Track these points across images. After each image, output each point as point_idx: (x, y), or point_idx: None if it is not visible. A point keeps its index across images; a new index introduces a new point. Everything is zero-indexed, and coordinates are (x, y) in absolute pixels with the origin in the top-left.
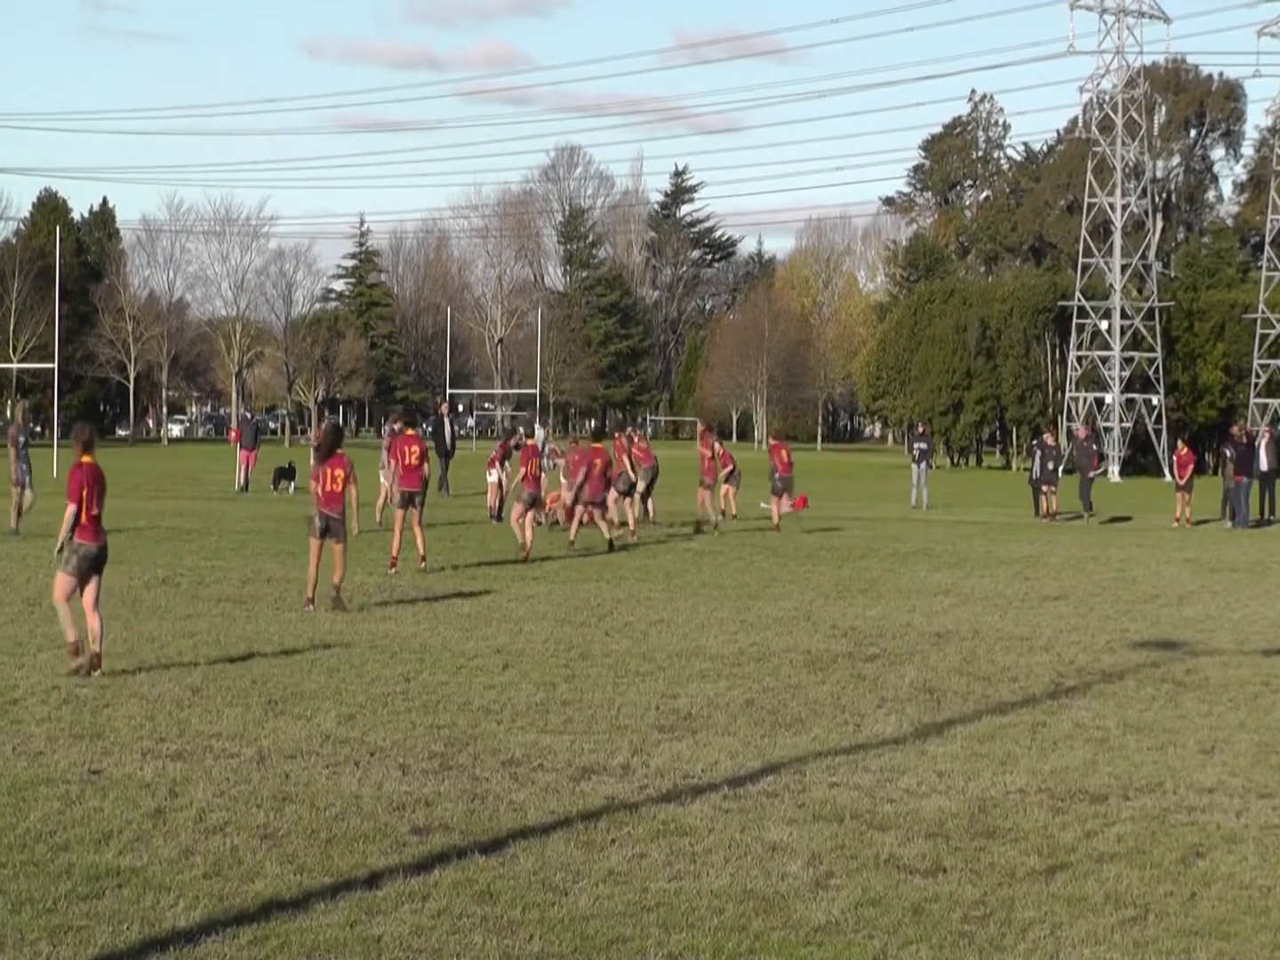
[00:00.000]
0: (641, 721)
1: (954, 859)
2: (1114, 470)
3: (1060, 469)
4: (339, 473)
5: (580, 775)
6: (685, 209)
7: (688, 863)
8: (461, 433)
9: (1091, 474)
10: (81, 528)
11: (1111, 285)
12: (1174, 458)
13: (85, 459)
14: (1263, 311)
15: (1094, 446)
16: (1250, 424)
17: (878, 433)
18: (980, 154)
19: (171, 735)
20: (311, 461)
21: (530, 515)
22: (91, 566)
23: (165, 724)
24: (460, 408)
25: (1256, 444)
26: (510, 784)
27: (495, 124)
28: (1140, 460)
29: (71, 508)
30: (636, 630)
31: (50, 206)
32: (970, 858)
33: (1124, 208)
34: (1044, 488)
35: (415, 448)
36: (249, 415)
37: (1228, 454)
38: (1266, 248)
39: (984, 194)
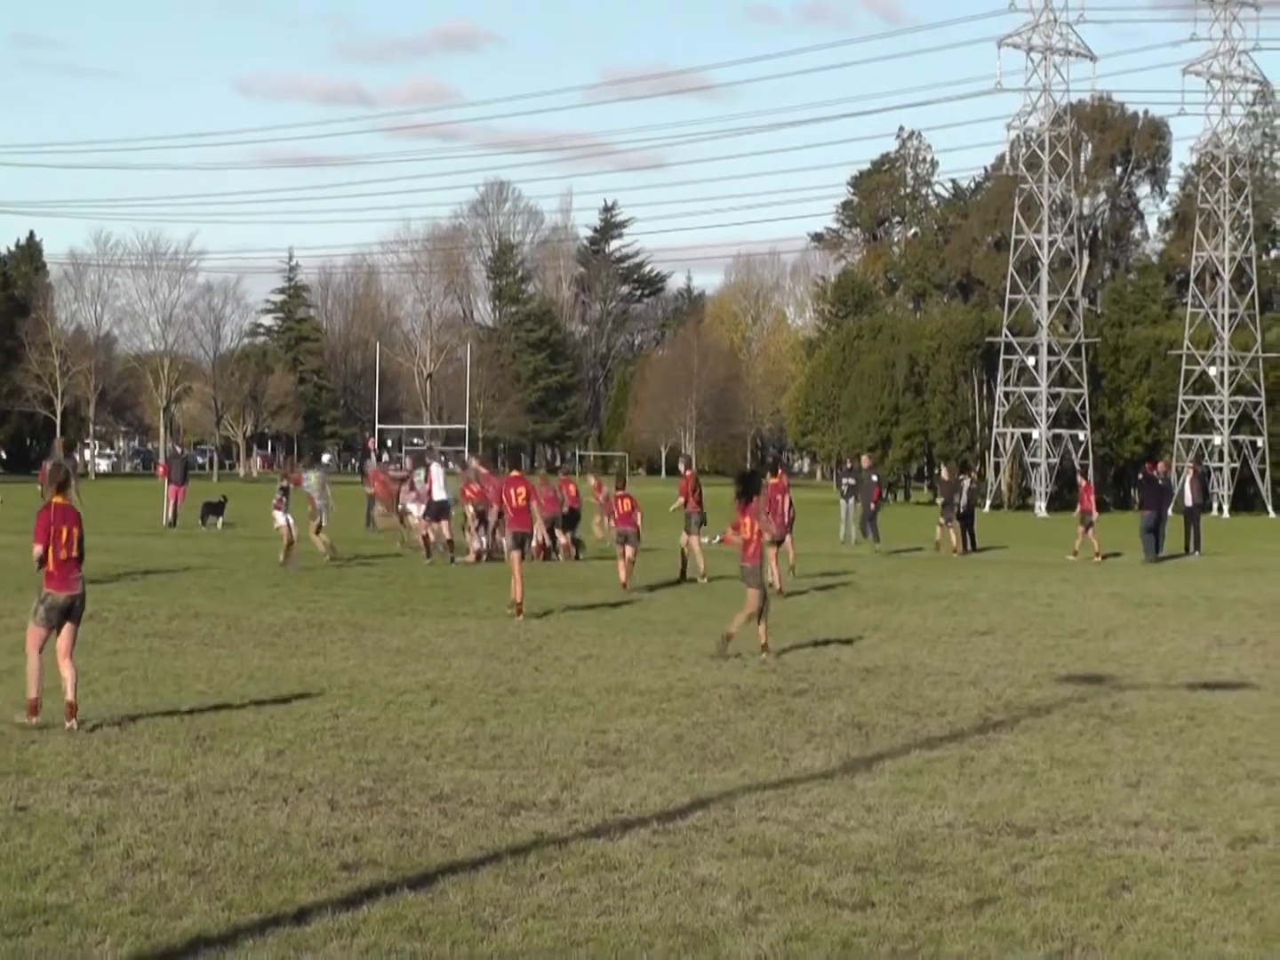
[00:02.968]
0: (571, 757)
1: (882, 893)
2: (1040, 505)
3: (960, 504)
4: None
5: (509, 810)
6: (614, 244)
7: (617, 898)
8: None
9: (873, 505)
10: (49, 575)
11: (1038, 321)
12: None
13: (57, 500)
14: (1187, 348)
15: (873, 478)
16: (1175, 460)
17: (806, 468)
18: (908, 190)
19: (99, 771)
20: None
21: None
22: (63, 616)
23: (92, 760)
24: (390, 443)
25: (1181, 480)
26: (439, 819)
27: (424, 159)
28: (1066, 495)
29: (37, 548)
30: (565, 665)
31: None
32: (899, 892)
33: (1050, 244)
34: (940, 520)
35: (522, 489)
36: (178, 450)
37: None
38: (1191, 284)
39: (912, 230)
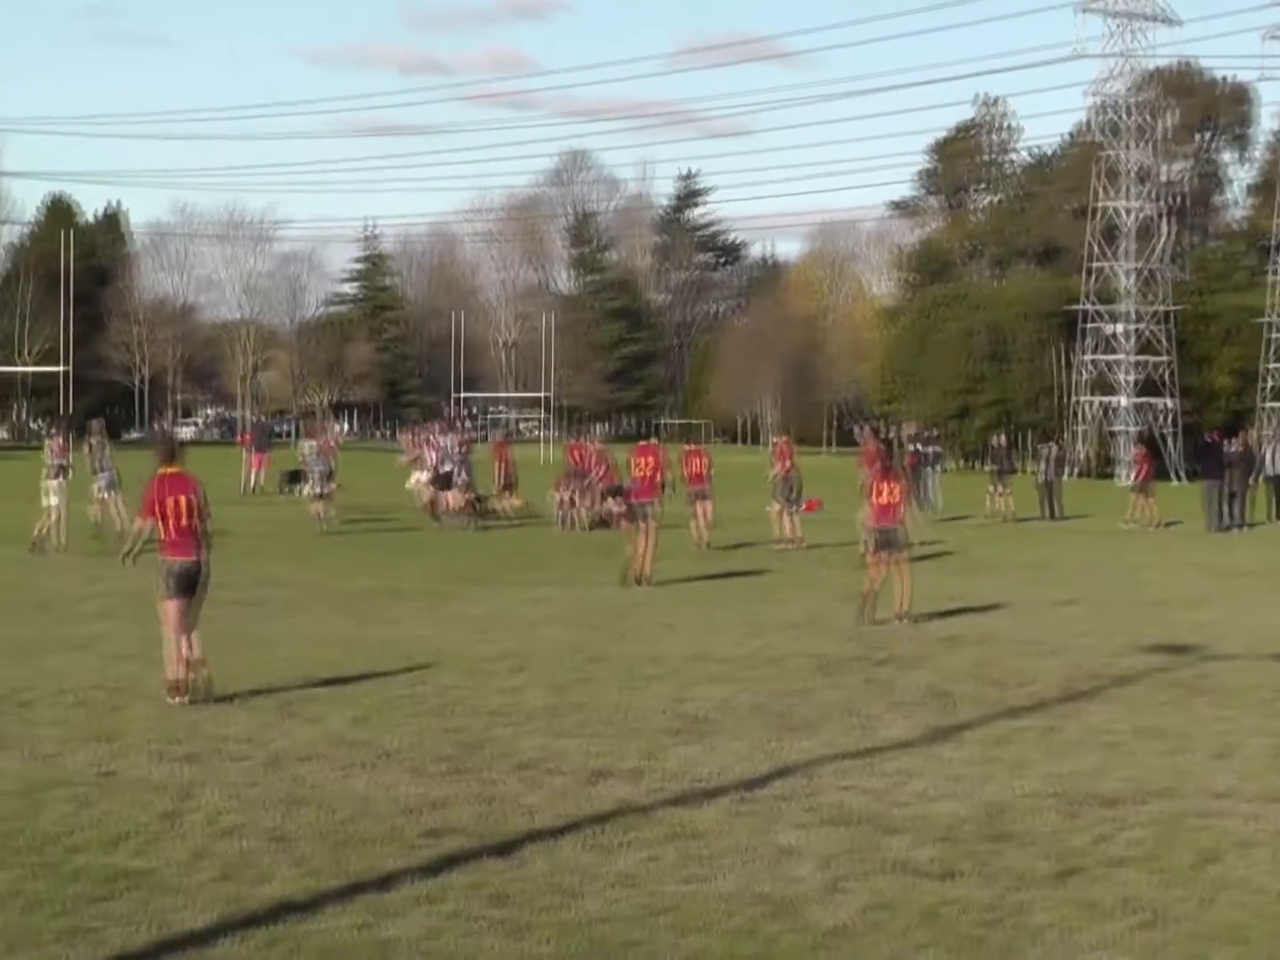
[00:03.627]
0: (652, 725)
1: (966, 863)
2: (1123, 474)
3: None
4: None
5: (592, 778)
6: (693, 213)
7: (699, 866)
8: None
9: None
10: (165, 544)
11: (1122, 289)
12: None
13: (167, 470)
14: (1271, 315)
15: (914, 447)
16: (1259, 429)
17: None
18: (989, 158)
19: (183, 738)
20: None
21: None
22: (183, 584)
23: (177, 726)
24: (474, 410)
25: (1266, 448)
26: (522, 787)
27: (501, 128)
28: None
29: (139, 521)
30: (647, 633)
31: (59, 210)
32: (982, 862)
33: (1132, 211)
34: (989, 488)
35: (650, 459)
36: (260, 418)
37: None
38: (1272, 251)
39: (990, 198)
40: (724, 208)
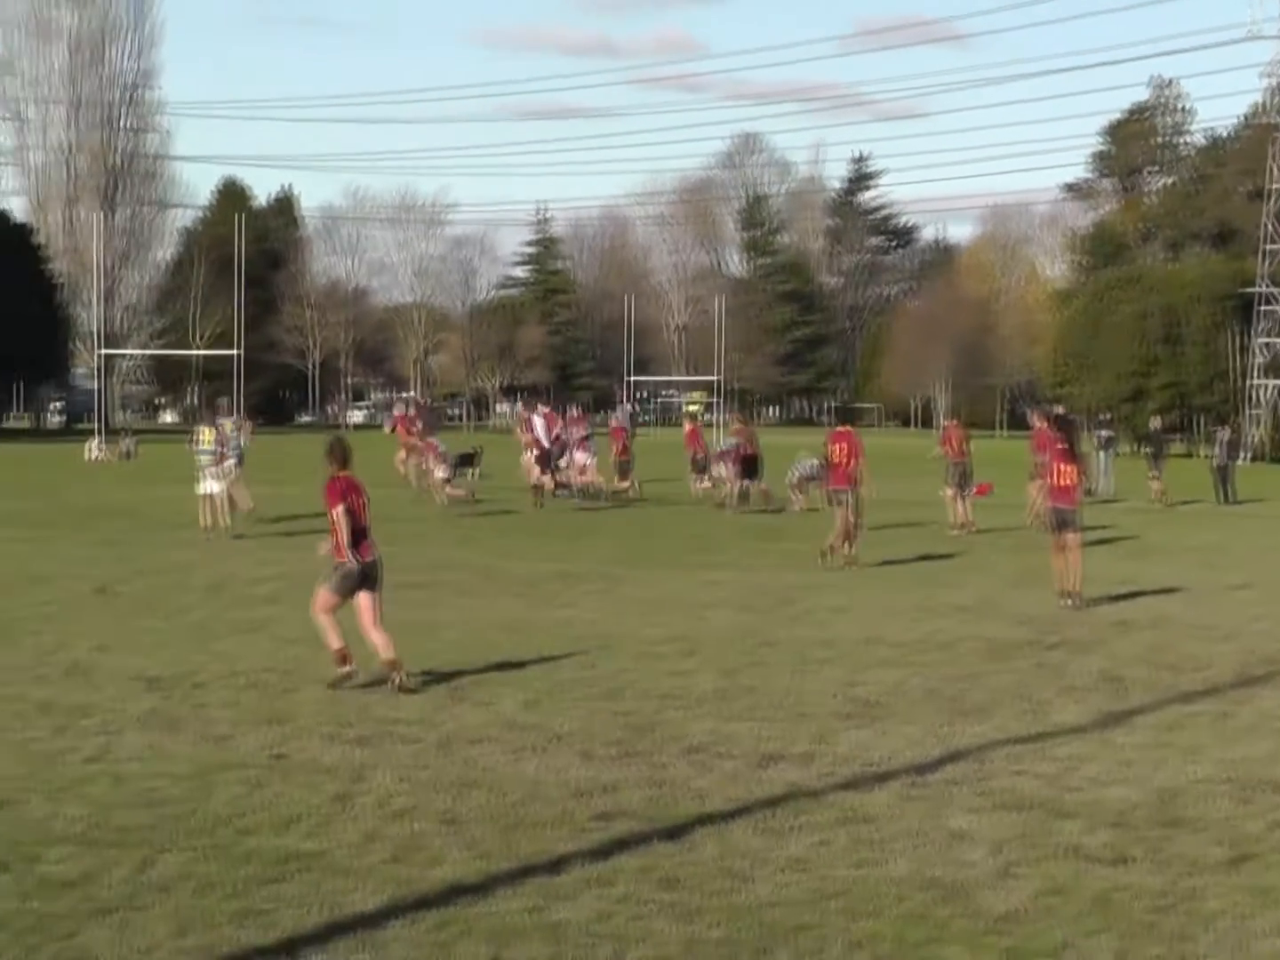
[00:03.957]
0: (823, 709)
1: (1139, 849)
2: None
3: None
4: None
5: (762, 762)
6: (865, 196)
7: (870, 850)
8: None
9: None
10: (354, 544)
11: None
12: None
13: (343, 473)
14: None
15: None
16: None
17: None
18: (1163, 140)
19: (354, 720)
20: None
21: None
22: (360, 584)
23: (348, 709)
24: (644, 394)
25: None
26: (692, 771)
27: (672, 111)
28: None
29: (339, 508)
30: (818, 617)
31: (232, 194)
32: (1155, 847)
33: None
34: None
35: (844, 445)
36: (428, 401)
37: None
38: None
39: (1166, 180)
40: (896, 191)
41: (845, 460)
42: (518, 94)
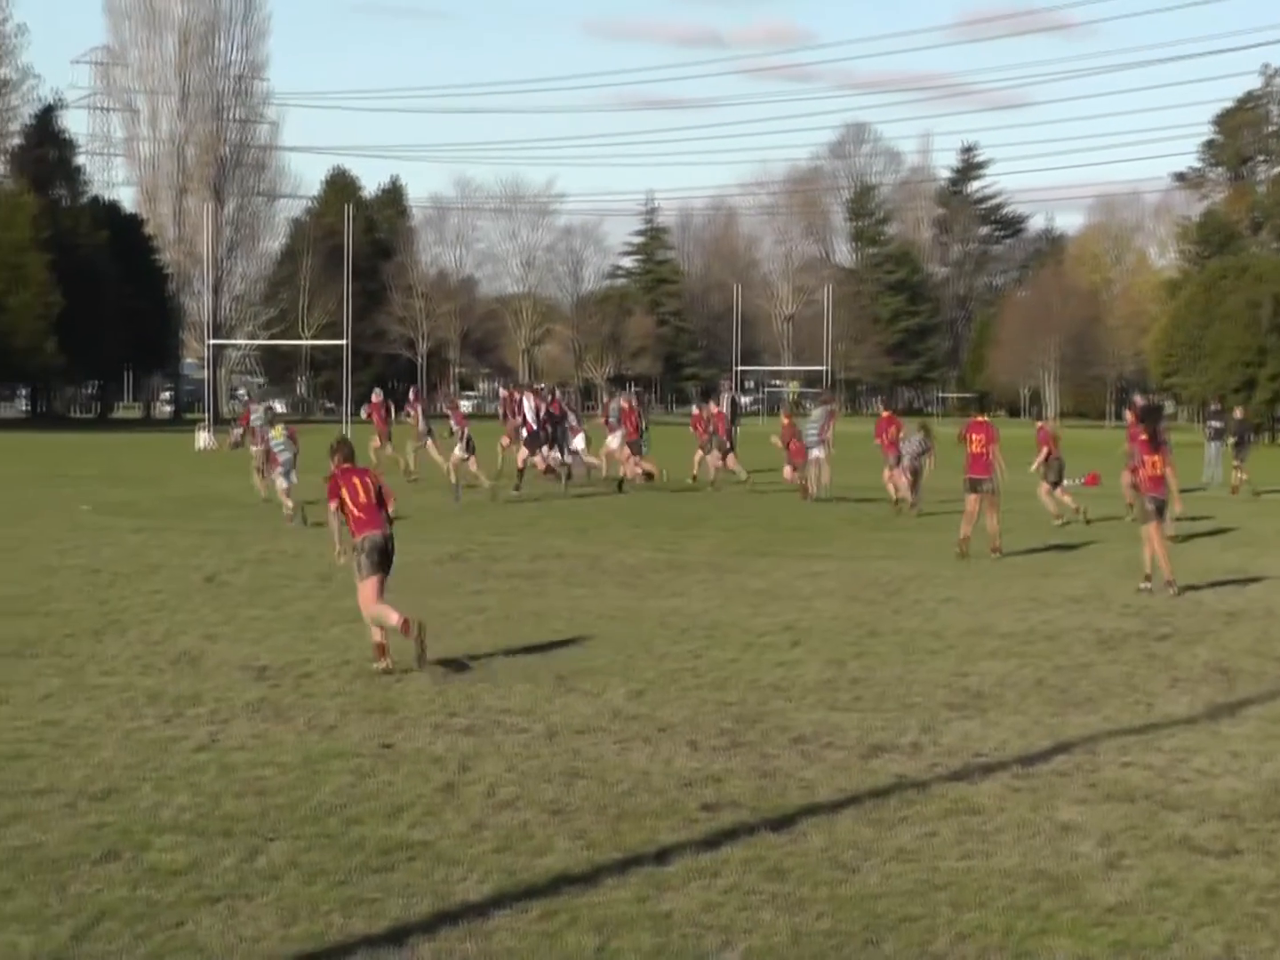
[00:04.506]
0: (931, 699)
1: (1248, 841)
2: None
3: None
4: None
5: (869, 753)
6: (974, 185)
7: (978, 842)
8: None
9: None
10: (357, 521)
11: None
12: None
13: (343, 466)
14: None
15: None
16: None
17: (1169, 409)
18: (1274, 129)
19: (462, 710)
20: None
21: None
22: (384, 557)
23: (456, 699)
24: (749, 384)
25: None
26: (799, 761)
27: (780, 101)
28: None
29: (332, 504)
30: (926, 608)
31: (341, 185)
32: (1265, 840)
33: None
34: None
35: (983, 434)
36: (556, 393)
37: None
38: None
39: (1277, 169)
40: (1004, 180)
41: (984, 449)
42: (626, 84)
